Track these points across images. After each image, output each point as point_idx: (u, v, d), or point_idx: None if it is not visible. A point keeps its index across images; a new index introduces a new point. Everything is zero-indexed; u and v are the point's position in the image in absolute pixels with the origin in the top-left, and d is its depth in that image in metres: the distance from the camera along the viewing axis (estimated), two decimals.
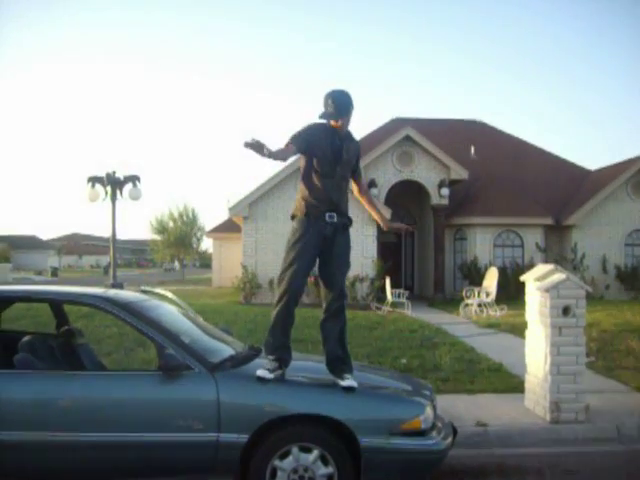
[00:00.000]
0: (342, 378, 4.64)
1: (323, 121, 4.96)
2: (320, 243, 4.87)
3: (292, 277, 4.80)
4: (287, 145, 4.77)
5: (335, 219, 4.90)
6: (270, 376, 4.54)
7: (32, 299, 5.71)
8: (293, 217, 5.04)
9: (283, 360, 4.76)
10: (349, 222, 5.08)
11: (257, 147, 4.43)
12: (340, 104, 4.85)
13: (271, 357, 4.74)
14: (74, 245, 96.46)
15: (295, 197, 5.12)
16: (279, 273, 4.93)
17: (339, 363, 4.80)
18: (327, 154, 4.88)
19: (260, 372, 4.52)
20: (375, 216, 5.47)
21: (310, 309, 13.14)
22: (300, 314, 12.77)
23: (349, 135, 5.08)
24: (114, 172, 16.99)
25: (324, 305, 4.98)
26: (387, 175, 22.07)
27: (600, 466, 5.72)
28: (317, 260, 4.99)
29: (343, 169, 4.98)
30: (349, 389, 4.55)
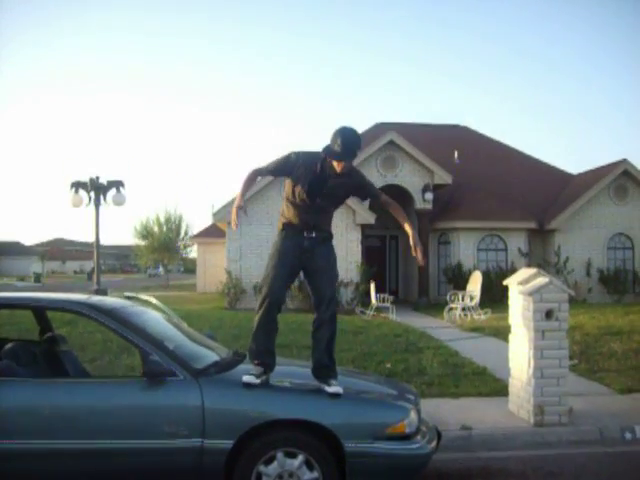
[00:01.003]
0: (328, 384, 4.65)
1: (316, 152, 4.92)
2: (298, 254, 4.91)
3: (272, 282, 4.85)
4: (256, 171, 5.06)
5: (313, 234, 4.95)
6: (256, 381, 4.54)
7: (15, 306, 5.67)
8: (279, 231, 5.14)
9: (267, 365, 4.77)
10: (329, 236, 5.09)
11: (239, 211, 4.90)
12: (348, 146, 4.71)
13: (255, 362, 4.75)
14: (58, 251, 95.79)
15: (279, 203, 5.15)
16: (261, 280, 5.00)
17: (325, 370, 4.82)
18: (311, 182, 4.86)
19: (246, 378, 4.53)
20: (407, 230, 5.32)
21: (294, 314, 13.17)
22: (284, 319, 12.80)
23: (354, 171, 5.04)
24: (97, 177, 16.95)
25: (315, 315, 4.99)
26: (371, 180, 21.95)
27: (583, 468, 5.75)
28: (301, 272, 5.04)
29: (328, 199, 4.96)
30: (335, 395, 4.56)
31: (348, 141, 4.71)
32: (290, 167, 4.93)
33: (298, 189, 4.88)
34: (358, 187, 5.11)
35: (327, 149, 4.79)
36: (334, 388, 4.59)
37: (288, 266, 4.91)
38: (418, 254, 5.06)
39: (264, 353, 4.83)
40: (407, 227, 5.25)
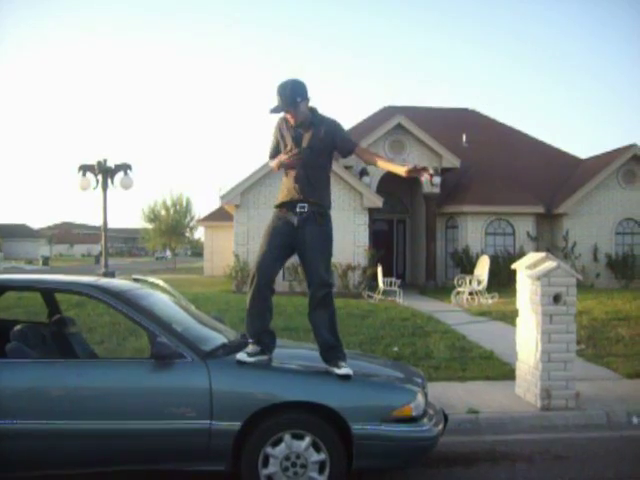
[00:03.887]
0: (338, 366, 4.64)
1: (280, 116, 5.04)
2: (289, 231, 4.88)
3: (260, 260, 4.86)
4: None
5: (305, 208, 4.89)
6: (249, 360, 4.56)
7: (24, 288, 5.69)
8: None
9: (264, 344, 4.78)
10: (324, 211, 4.97)
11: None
12: (285, 96, 4.82)
13: (251, 341, 4.77)
14: (65, 234, 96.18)
15: None
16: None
17: (333, 351, 4.80)
18: (287, 147, 4.97)
19: (239, 355, 4.57)
20: (393, 169, 5.10)
21: (301, 298, 13.16)
22: (291, 302, 12.84)
23: (319, 119, 4.99)
24: (105, 160, 16.95)
25: (308, 295, 4.98)
26: None
27: (590, 452, 5.76)
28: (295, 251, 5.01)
29: (308, 158, 4.89)
30: (345, 377, 4.57)
31: (283, 92, 4.84)
32: (275, 139, 5.12)
33: (283, 149, 5.01)
34: (333, 135, 5.00)
35: (273, 108, 4.91)
36: (344, 370, 4.59)
37: (277, 245, 4.89)
38: (422, 171, 4.77)
39: (260, 333, 4.83)
40: (393, 166, 5.11)
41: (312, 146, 4.92)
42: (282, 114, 5.01)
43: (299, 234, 4.89)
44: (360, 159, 5.36)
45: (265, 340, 4.82)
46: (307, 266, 4.95)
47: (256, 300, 4.87)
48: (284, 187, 5.03)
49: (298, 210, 4.88)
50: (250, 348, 4.70)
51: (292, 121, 4.92)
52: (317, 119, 4.99)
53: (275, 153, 5.13)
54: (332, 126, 5.02)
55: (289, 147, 4.95)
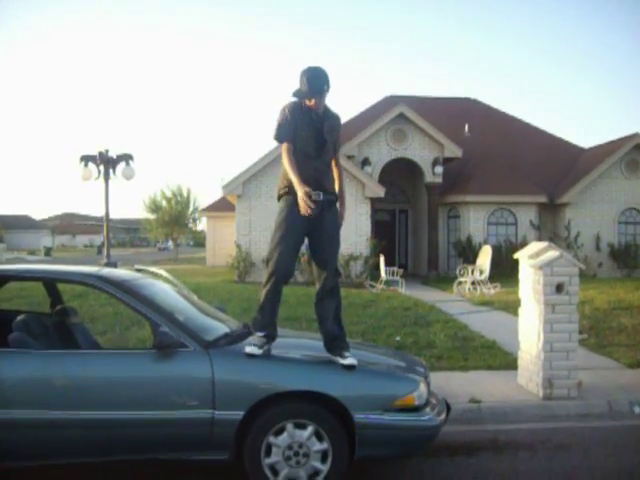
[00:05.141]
0: (342, 356, 4.65)
1: (294, 100, 4.95)
2: (307, 222, 4.85)
3: (279, 257, 4.82)
4: (283, 147, 4.91)
5: (321, 197, 4.87)
6: (259, 352, 4.57)
7: (26, 278, 5.69)
8: (279, 198, 5.06)
9: (271, 336, 4.82)
10: (335, 198, 5.05)
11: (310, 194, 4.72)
12: (314, 82, 4.79)
13: (260, 334, 4.76)
14: (67, 225, 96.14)
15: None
16: (267, 252, 4.98)
17: (338, 342, 4.81)
18: (310, 136, 4.89)
19: (249, 349, 4.55)
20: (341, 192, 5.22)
21: (304, 287, 13.19)
22: (294, 293, 12.85)
23: (327, 112, 5.03)
24: (107, 151, 16.91)
25: (318, 285, 4.98)
26: (381, 153, 22.00)
27: (592, 441, 5.77)
28: (306, 239, 5.00)
29: (327, 149, 4.97)
30: (350, 367, 4.57)
31: (313, 77, 4.80)
32: (293, 121, 4.90)
33: (304, 140, 4.88)
34: (337, 131, 5.07)
35: (296, 92, 4.86)
36: (349, 360, 4.60)
37: (296, 237, 4.88)
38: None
39: (269, 325, 4.85)
40: (342, 194, 5.22)
41: (328, 136, 4.95)
42: (294, 99, 4.96)
43: (316, 223, 4.87)
44: (336, 164, 5.23)
45: (272, 332, 4.86)
46: (320, 255, 4.96)
47: (271, 295, 4.88)
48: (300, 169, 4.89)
49: (314, 198, 4.80)
50: (256, 340, 4.69)
51: (315, 108, 4.87)
52: (327, 110, 5.02)
53: (289, 136, 4.90)
54: (337, 121, 5.10)
55: (305, 134, 4.87)
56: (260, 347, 4.61)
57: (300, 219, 4.83)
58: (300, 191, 4.68)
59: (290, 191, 4.92)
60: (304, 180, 4.77)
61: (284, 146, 4.92)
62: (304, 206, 4.64)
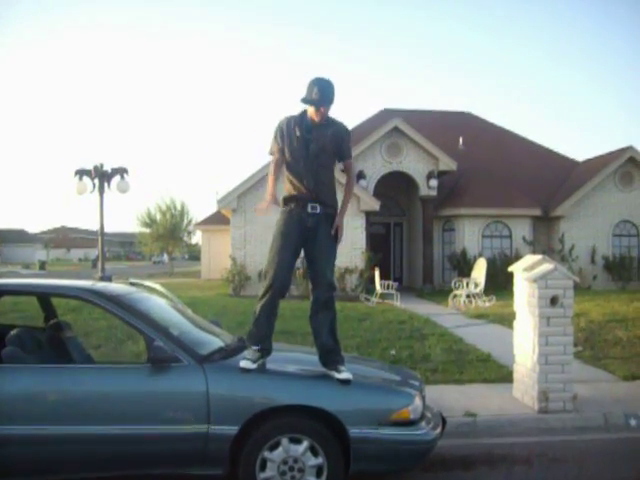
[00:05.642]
0: (338, 370, 4.65)
1: (289, 115, 5.04)
2: (303, 234, 4.87)
3: (277, 270, 4.83)
4: (273, 159, 5.10)
5: (318, 210, 4.89)
6: (254, 366, 4.56)
7: (20, 292, 5.68)
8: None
9: (266, 350, 4.80)
10: (334, 212, 5.04)
11: (273, 202, 4.93)
12: (325, 93, 4.84)
13: (255, 348, 4.74)
14: (62, 238, 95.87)
15: (284, 190, 5.11)
16: (265, 265, 4.99)
17: (332, 355, 4.81)
18: (294, 145, 4.94)
19: (243, 363, 4.54)
20: (341, 213, 5.17)
21: (298, 301, 13.16)
22: (289, 306, 12.81)
23: (332, 121, 5.04)
24: (102, 165, 16.93)
25: (312, 297, 4.98)
26: (376, 166, 22.05)
27: (587, 454, 5.76)
28: (302, 252, 5.01)
29: (318, 157, 4.93)
30: (345, 382, 4.56)
31: (323, 87, 4.85)
32: (281, 135, 5.03)
33: (292, 149, 4.95)
34: (340, 139, 5.05)
35: (304, 99, 4.90)
36: (344, 375, 4.59)
37: (292, 249, 4.89)
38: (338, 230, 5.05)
39: (265, 339, 4.84)
40: (345, 204, 5.23)
41: (323, 145, 4.94)
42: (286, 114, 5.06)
43: (310, 235, 4.89)
44: (345, 172, 5.30)
45: (267, 346, 4.84)
46: (316, 268, 4.96)
47: (269, 309, 4.88)
48: (293, 181, 4.97)
49: (310, 211, 4.87)
50: (251, 354, 4.68)
51: (317, 118, 4.92)
52: (330, 120, 5.04)
53: (277, 148, 5.08)
54: (341, 130, 5.08)
55: (295, 145, 4.94)
56: (255, 361, 4.60)
57: (295, 231, 4.87)
58: (267, 195, 4.94)
59: (286, 200, 4.97)
60: (301, 190, 4.88)
61: (273, 161, 5.08)
62: (261, 205, 4.95)
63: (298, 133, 4.93)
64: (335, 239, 5.02)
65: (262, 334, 4.85)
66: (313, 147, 4.91)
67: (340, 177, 11.23)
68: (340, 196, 5.13)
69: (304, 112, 4.99)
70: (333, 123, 5.04)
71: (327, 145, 4.97)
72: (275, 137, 5.07)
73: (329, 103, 4.89)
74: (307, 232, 4.88)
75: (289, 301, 14.48)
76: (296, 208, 4.91)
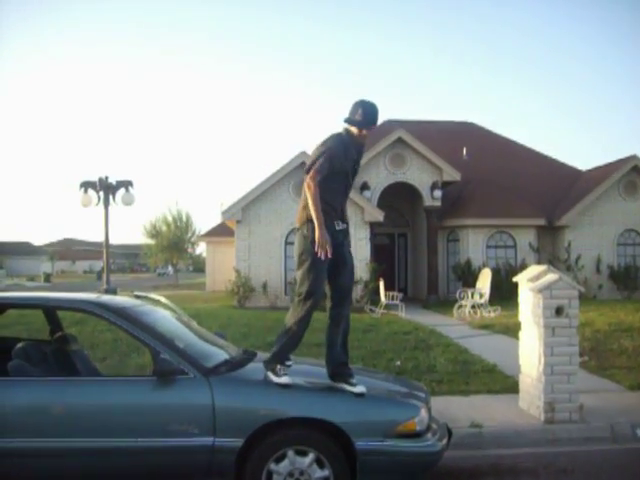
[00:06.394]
0: (351, 384, 4.66)
1: (336, 132, 5.02)
2: (335, 250, 4.83)
3: (313, 283, 4.80)
4: (314, 180, 4.76)
5: (344, 226, 5.01)
6: (288, 381, 4.59)
7: (25, 306, 5.69)
8: (300, 227, 4.98)
9: (288, 362, 4.84)
10: (348, 226, 5.14)
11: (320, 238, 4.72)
12: (369, 115, 4.91)
13: (289, 363, 4.78)
14: (67, 250, 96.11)
15: (288, 201, 5.13)
16: (298, 281, 4.93)
17: (343, 368, 4.83)
18: (345, 165, 4.95)
19: (278, 379, 4.58)
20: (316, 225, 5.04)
21: None
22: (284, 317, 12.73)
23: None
24: (107, 177, 17.02)
25: (334, 310, 4.99)
26: (380, 177, 22.09)
27: (594, 465, 5.74)
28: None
29: (353, 177, 5.10)
30: (360, 395, 4.58)
31: (369, 111, 4.91)
32: (337, 157, 4.86)
33: (338, 173, 4.90)
34: (360, 157, 5.14)
35: (349, 119, 4.94)
36: (359, 388, 4.61)
37: (326, 262, 4.83)
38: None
39: (292, 352, 4.92)
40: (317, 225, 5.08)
41: (356, 167, 5.10)
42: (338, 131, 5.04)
43: (338, 250, 4.90)
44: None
45: (289, 357, 4.89)
46: (340, 282, 4.99)
47: (307, 321, 4.89)
48: (329, 198, 4.86)
49: (338, 227, 4.94)
50: (283, 369, 4.69)
51: (359, 139, 4.99)
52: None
53: (325, 170, 4.81)
54: (363, 149, 5.20)
55: (346, 165, 4.94)
56: (284, 375, 4.64)
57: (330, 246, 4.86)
58: (322, 237, 4.68)
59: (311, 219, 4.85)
60: (332, 207, 4.88)
61: (314, 179, 4.78)
62: (322, 252, 4.68)
63: (355, 155, 4.99)
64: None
65: (293, 348, 4.90)
66: (356, 168, 5.06)
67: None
68: None
69: (348, 132, 4.99)
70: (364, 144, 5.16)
71: (358, 165, 5.13)
72: (330, 158, 4.81)
73: (373, 124, 4.97)
74: (337, 248, 4.88)
75: (283, 312, 14.49)
76: (329, 224, 4.85)
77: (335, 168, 4.84)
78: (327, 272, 4.93)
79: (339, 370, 4.81)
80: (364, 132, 4.95)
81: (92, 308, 4.82)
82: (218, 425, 4.29)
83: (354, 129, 4.94)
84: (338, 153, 4.86)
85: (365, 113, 4.88)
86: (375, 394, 4.88)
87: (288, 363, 4.78)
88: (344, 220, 5.05)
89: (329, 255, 4.69)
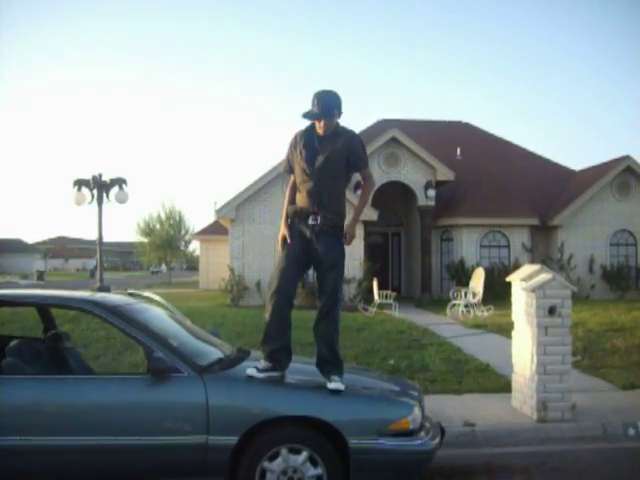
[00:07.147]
0: (329, 380, 4.67)
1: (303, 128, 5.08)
2: (305, 246, 4.90)
3: (278, 278, 4.89)
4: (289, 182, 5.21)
5: (318, 221, 4.90)
6: (259, 375, 4.58)
7: (19, 303, 5.68)
8: None
9: (277, 361, 4.80)
10: (340, 220, 5.01)
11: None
12: (325, 105, 4.85)
13: (267, 359, 4.77)
14: (60, 248, 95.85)
15: (282, 200, 5.17)
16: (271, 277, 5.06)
17: (327, 365, 4.83)
18: (299, 158, 4.98)
19: (249, 371, 4.59)
20: (353, 219, 5.19)
21: (297, 311, 13.15)
22: (294, 315, 12.77)
23: (339, 132, 4.99)
24: (100, 175, 16.99)
25: (318, 308, 5.01)
26: (373, 176, 22.05)
27: (587, 464, 5.76)
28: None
29: (324, 169, 4.90)
30: (335, 392, 4.57)
31: (324, 99, 4.87)
32: (291, 152, 5.11)
33: (297, 162, 5.01)
34: (351, 149, 5.02)
35: (306, 113, 4.93)
36: (334, 384, 4.60)
37: (295, 259, 4.91)
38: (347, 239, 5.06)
39: (276, 350, 4.84)
40: (357, 210, 5.28)
41: (328, 156, 4.92)
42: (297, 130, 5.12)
43: (312, 247, 4.91)
44: (362, 181, 5.33)
45: (279, 357, 4.83)
46: (318, 279, 5.01)
47: (275, 317, 4.89)
48: (300, 194, 5.03)
49: (310, 222, 4.90)
50: (262, 364, 4.71)
51: (321, 130, 4.93)
52: (339, 131, 5.02)
53: (289, 168, 5.19)
54: (349, 139, 5.04)
55: (299, 160, 4.99)
56: (261, 371, 4.64)
57: (298, 242, 4.93)
58: (280, 231, 5.04)
59: (290, 215, 5.05)
60: (305, 201, 4.93)
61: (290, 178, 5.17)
62: (280, 247, 5.01)
63: (302, 146, 4.96)
64: (341, 249, 5.01)
65: (272, 344, 4.85)
66: (319, 159, 4.91)
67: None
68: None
69: (313, 125, 5.01)
70: (342, 133, 5.01)
71: (335, 156, 4.92)
72: (286, 157, 5.15)
73: (329, 115, 4.87)
74: (309, 244, 4.90)
75: (298, 311, 14.48)
76: (297, 221, 4.96)
77: (292, 165, 5.09)
78: (304, 269, 5.09)
79: (322, 367, 4.84)
80: (322, 123, 4.88)
81: (86, 306, 4.81)
82: (212, 423, 4.29)
83: (316, 123, 4.95)
84: (288, 150, 5.12)
85: (320, 102, 4.84)
86: (368, 392, 4.90)
87: (268, 359, 4.76)
88: (328, 212, 4.90)
89: (279, 248, 4.99)
